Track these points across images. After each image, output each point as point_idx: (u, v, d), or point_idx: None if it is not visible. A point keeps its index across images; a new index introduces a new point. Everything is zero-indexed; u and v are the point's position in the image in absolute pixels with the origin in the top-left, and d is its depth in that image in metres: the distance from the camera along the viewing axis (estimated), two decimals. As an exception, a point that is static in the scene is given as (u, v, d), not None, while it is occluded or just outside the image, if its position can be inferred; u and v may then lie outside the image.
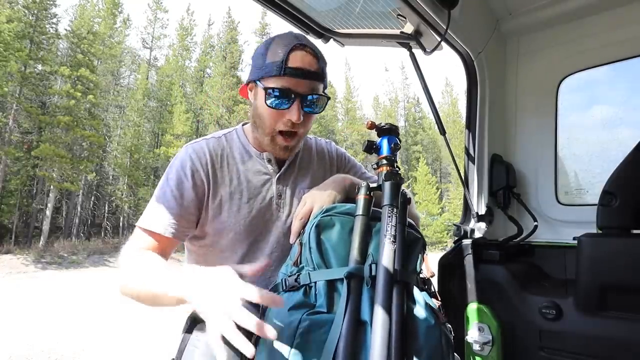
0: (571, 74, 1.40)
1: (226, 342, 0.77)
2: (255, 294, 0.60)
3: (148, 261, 0.85)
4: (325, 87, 0.97)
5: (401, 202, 0.81)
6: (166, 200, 0.93)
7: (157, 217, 0.93)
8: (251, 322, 0.57)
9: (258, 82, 0.92)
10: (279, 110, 0.91)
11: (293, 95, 0.89)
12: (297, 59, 0.89)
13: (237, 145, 1.05)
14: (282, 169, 1.05)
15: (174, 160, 0.99)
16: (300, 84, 0.89)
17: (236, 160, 1.02)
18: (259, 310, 0.80)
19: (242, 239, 0.98)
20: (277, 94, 0.89)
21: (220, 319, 0.60)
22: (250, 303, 0.90)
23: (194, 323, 0.97)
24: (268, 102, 0.90)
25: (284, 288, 0.78)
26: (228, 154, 1.02)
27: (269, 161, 1.03)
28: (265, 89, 0.89)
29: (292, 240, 0.91)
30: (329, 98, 0.97)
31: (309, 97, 0.91)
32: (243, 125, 1.10)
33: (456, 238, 1.38)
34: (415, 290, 0.76)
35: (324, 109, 0.97)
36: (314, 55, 0.92)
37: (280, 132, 0.95)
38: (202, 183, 0.96)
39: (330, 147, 1.19)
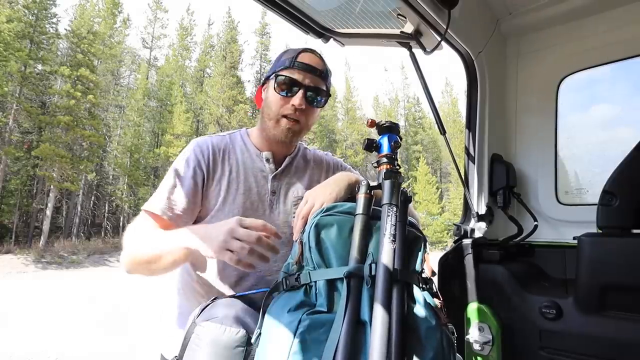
0: (571, 74, 1.40)
1: (224, 339, 0.78)
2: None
3: (148, 231, 1.00)
4: (327, 89, 1.11)
5: (401, 201, 0.81)
6: (168, 187, 1.04)
7: (158, 201, 1.03)
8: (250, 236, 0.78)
9: (271, 76, 1.08)
10: (285, 97, 1.05)
11: (298, 85, 1.04)
12: (306, 57, 1.07)
13: (239, 143, 1.14)
14: (279, 169, 1.12)
15: (181, 152, 1.11)
16: (306, 76, 1.05)
17: (237, 155, 1.11)
18: (260, 309, 0.80)
19: None
20: (286, 81, 1.05)
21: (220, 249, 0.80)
22: (250, 303, 0.90)
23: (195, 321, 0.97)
24: (277, 89, 1.05)
25: (285, 287, 0.78)
26: (230, 149, 1.12)
27: (267, 160, 1.11)
28: (277, 76, 1.06)
29: (295, 237, 0.91)
30: (329, 95, 1.11)
31: (312, 89, 1.06)
32: (247, 129, 1.20)
33: (456, 238, 1.38)
34: (416, 290, 0.76)
35: (324, 104, 1.11)
36: (321, 59, 1.09)
37: (285, 117, 1.06)
38: (201, 172, 1.05)
39: (328, 156, 1.28)
